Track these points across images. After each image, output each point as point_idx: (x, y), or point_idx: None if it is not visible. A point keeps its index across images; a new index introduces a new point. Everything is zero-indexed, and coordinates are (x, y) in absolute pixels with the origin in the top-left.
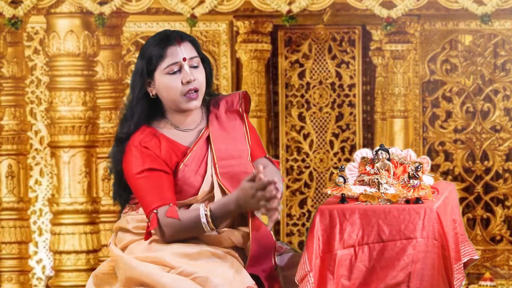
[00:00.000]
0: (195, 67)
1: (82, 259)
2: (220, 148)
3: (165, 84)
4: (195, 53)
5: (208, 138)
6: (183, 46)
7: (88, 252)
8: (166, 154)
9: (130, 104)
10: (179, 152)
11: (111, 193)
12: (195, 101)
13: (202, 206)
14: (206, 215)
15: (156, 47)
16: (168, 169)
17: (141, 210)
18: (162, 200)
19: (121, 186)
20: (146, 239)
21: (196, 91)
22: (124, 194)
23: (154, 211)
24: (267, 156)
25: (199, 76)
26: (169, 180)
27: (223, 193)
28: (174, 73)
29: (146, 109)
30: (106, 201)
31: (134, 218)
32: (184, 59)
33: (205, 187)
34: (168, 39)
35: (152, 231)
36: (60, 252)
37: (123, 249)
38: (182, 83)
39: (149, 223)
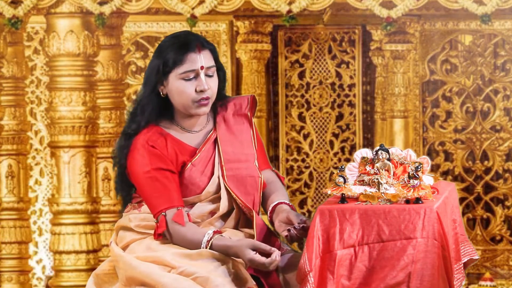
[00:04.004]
0: (210, 76)
1: (82, 259)
2: (228, 151)
3: (178, 88)
4: (212, 63)
5: (215, 140)
6: (202, 54)
7: (88, 252)
8: (172, 154)
9: (141, 101)
10: (186, 153)
11: (111, 193)
12: (205, 107)
13: (207, 234)
14: (206, 246)
15: (175, 51)
16: (174, 169)
17: (143, 208)
18: (170, 202)
19: (124, 180)
20: (156, 238)
21: (207, 99)
22: (127, 189)
23: (162, 213)
24: (273, 169)
25: (213, 85)
26: (175, 180)
27: (229, 195)
28: (190, 79)
29: (156, 106)
30: (106, 201)
31: (137, 216)
32: (202, 68)
33: (210, 188)
34: (189, 45)
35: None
36: (60, 252)
37: (124, 248)
38: (196, 90)
39: (158, 225)
